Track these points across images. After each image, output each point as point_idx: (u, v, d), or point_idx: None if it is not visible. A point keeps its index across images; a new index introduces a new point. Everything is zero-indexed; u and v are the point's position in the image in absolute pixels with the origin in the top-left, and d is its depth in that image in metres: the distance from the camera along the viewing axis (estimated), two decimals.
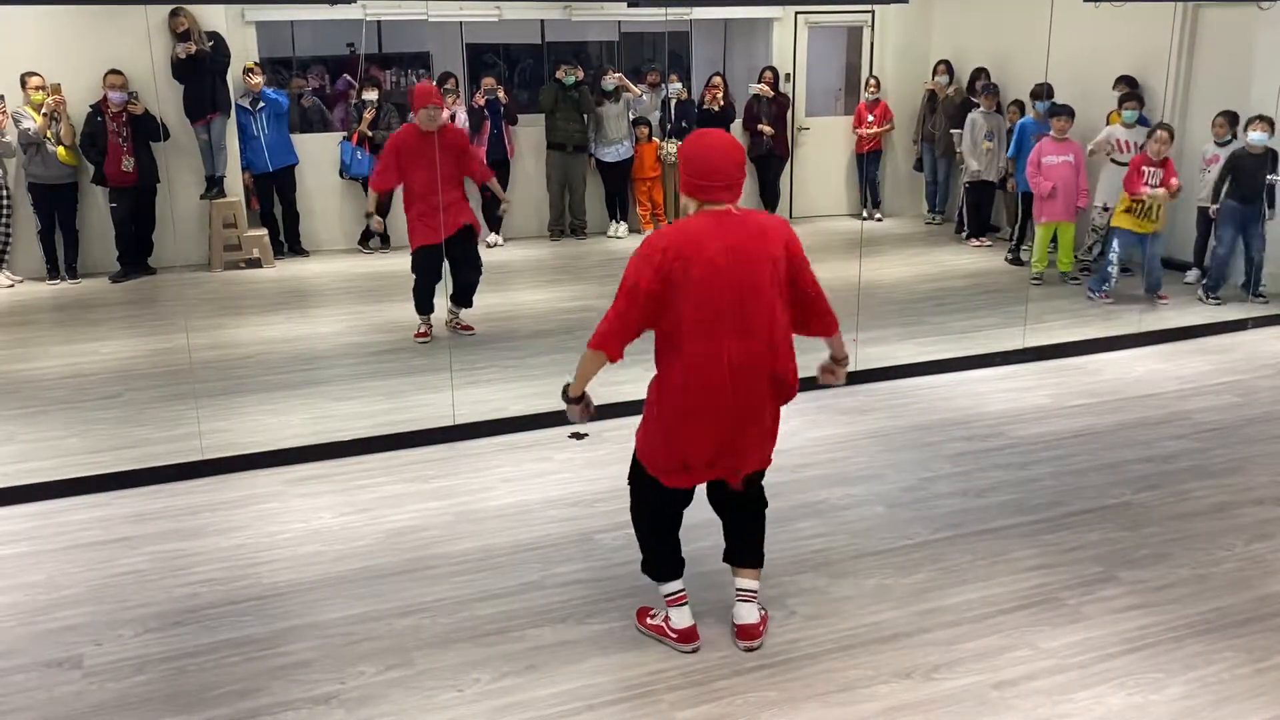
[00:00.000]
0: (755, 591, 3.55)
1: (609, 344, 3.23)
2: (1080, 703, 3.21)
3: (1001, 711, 3.18)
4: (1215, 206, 7.58)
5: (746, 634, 3.51)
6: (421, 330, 6.83)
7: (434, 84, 7.18)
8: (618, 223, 10.11)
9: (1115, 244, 7.52)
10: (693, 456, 3.30)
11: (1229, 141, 7.66)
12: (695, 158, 3.22)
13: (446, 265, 6.62)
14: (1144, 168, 7.30)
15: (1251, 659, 3.43)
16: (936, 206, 10.41)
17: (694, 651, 3.47)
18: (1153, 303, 7.45)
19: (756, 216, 3.28)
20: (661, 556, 3.51)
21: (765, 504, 3.57)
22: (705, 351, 3.18)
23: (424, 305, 6.78)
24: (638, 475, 3.49)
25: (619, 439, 5.23)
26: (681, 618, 3.49)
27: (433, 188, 6.37)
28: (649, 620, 3.60)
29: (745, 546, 3.55)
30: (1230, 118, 7.67)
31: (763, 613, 3.60)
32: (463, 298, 6.89)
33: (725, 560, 3.60)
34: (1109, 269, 7.55)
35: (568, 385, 3.40)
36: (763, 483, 3.53)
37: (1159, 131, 7.29)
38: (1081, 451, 5.09)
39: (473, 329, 6.95)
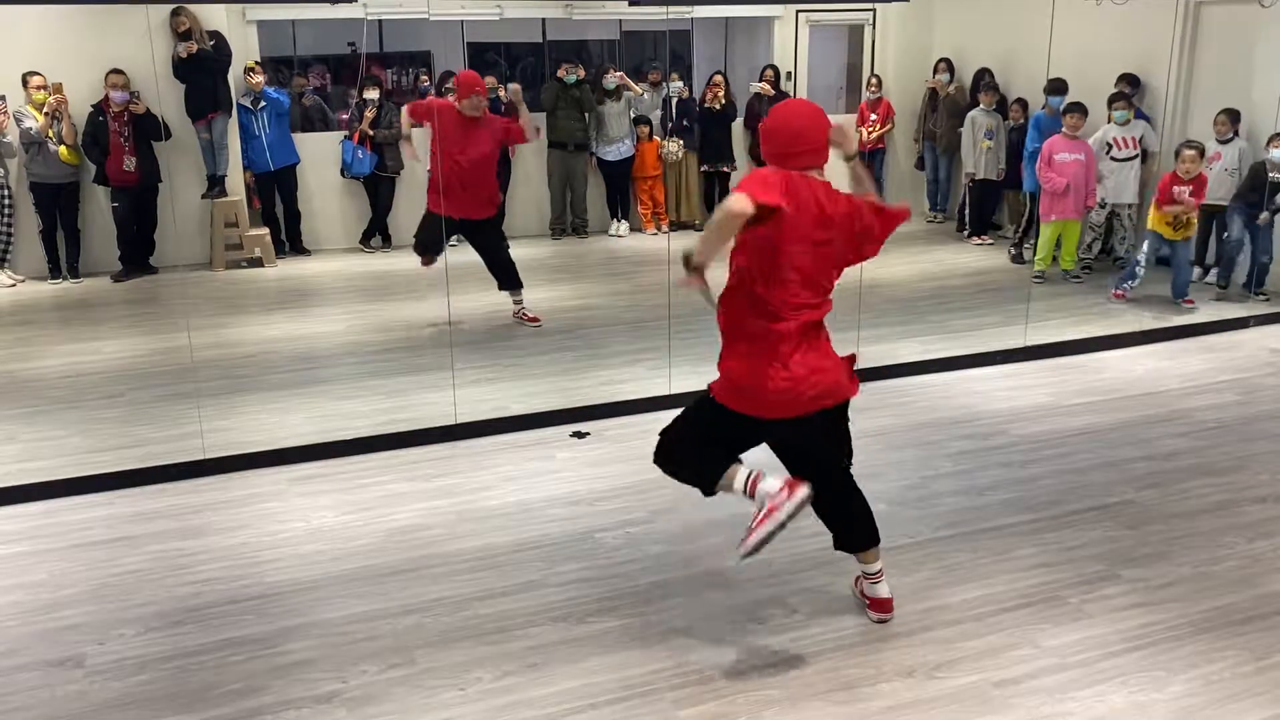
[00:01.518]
0: (881, 571, 3.62)
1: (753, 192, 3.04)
2: (1082, 701, 3.21)
3: (1003, 710, 3.18)
4: (1267, 214, 7.39)
5: (880, 607, 3.63)
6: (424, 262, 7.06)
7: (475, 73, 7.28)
8: (619, 221, 10.11)
9: (1146, 246, 7.47)
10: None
11: (1230, 139, 7.65)
12: (777, 127, 3.25)
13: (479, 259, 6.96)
14: (1175, 187, 7.26)
15: (1253, 657, 3.43)
16: (938, 205, 10.41)
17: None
18: (1178, 306, 7.41)
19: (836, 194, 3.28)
20: (710, 460, 3.37)
21: (851, 480, 3.58)
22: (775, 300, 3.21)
23: (423, 248, 6.99)
24: (691, 412, 3.48)
25: (620, 438, 5.23)
26: (800, 492, 3.24)
27: (459, 169, 6.54)
28: (773, 513, 3.26)
29: (854, 529, 3.58)
30: (1231, 115, 7.66)
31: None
32: (508, 281, 7.01)
33: (840, 549, 3.63)
34: (1137, 269, 7.51)
35: (689, 254, 3.24)
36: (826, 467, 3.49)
37: (1186, 151, 7.24)
38: (1083, 450, 5.09)
39: (539, 320, 7.05)
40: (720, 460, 3.38)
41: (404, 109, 7.20)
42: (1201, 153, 7.31)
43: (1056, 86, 8.33)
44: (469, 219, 6.78)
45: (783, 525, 3.23)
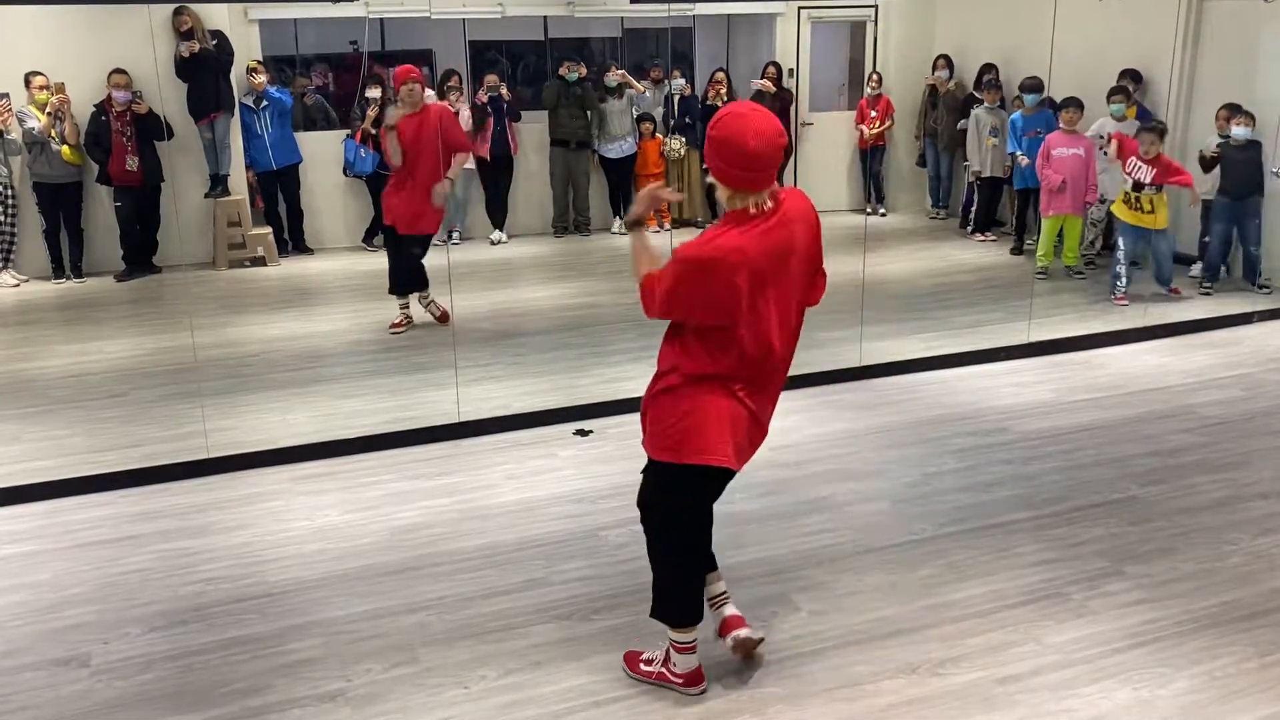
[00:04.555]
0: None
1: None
2: (1086, 697, 3.21)
3: (1007, 707, 3.18)
4: (1210, 197, 7.48)
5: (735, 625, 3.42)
6: (396, 320, 6.90)
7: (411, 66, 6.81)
8: (621, 219, 10.11)
9: (1121, 242, 7.46)
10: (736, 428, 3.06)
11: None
12: (728, 141, 2.85)
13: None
14: (1135, 160, 7.26)
15: (1258, 653, 3.42)
16: (940, 201, 10.40)
17: (703, 693, 3.25)
18: (1165, 295, 7.39)
19: (792, 207, 2.97)
20: (694, 591, 3.20)
21: None
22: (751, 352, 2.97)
23: (394, 287, 6.88)
24: (671, 489, 3.14)
25: (623, 436, 5.23)
26: (690, 662, 3.24)
27: (410, 171, 6.42)
28: (644, 667, 3.31)
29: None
30: (1233, 110, 7.65)
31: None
32: (419, 283, 6.86)
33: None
34: (1118, 269, 7.49)
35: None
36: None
37: (1145, 134, 7.23)
38: (1086, 446, 5.09)
39: (446, 316, 6.85)
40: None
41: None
42: (1162, 135, 7.28)
43: (1029, 85, 8.41)
44: (419, 234, 6.63)
45: (655, 684, 3.25)
